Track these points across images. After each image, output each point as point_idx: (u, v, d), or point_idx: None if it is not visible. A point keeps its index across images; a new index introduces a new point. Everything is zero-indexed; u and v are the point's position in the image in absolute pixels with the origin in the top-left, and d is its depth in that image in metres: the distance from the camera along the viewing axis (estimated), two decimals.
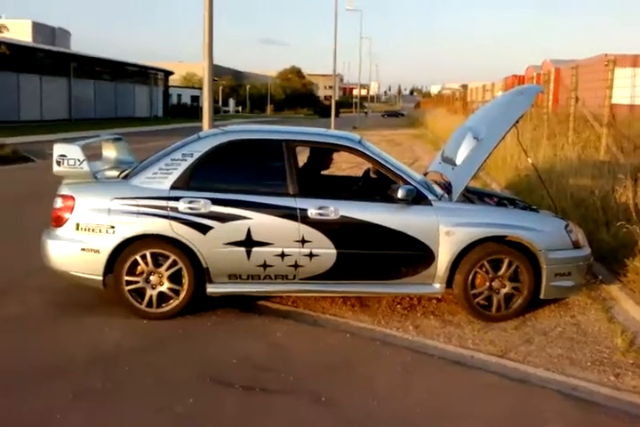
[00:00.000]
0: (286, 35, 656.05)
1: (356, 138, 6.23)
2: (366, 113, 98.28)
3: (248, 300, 6.00)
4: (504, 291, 5.66)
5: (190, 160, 5.66)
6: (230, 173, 5.82)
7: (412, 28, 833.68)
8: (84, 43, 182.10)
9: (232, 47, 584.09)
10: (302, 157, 6.33)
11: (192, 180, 5.61)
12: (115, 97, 56.80)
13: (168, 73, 71.68)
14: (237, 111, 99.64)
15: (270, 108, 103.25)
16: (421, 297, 6.15)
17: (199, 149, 5.73)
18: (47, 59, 46.94)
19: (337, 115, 46.76)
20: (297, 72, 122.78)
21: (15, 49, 40.16)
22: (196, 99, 74.48)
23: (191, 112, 67.69)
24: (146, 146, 18.69)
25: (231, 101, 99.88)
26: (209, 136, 6.02)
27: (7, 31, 20.88)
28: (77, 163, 5.59)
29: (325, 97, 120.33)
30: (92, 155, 6.04)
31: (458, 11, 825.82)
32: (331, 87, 40.42)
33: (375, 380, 4.50)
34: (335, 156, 6.88)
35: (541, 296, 5.71)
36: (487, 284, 5.64)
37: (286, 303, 6.06)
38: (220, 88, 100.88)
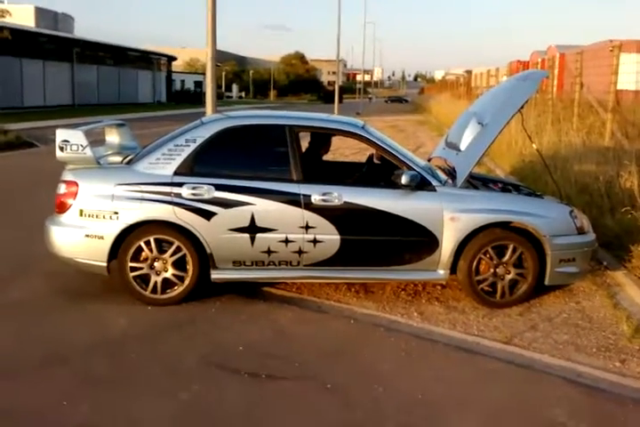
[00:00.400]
0: (290, 20, 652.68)
1: (360, 123, 6.19)
2: (370, 99, 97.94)
3: (252, 286, 6.00)
4: (508, 277, 5.64)
5: (193, 146, 5.63)
6: (233, 158, 5.79)
7: (417, 12, 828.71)
8: (87, 28, 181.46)
9: (235, 33, 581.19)
10: (304, 143, 6.31)
11: (195, 165, 5.59)
12: (118, 82, 56.65)
13: (171, 58, 71.42)
14: (240, 97, 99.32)
15: (274, 94, 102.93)
16: (426, 283, 6.14)
17: (202, 134, 5.70)
18: (50, 44, 46.77)
19: (340, 100, 46.60)
20: (300, 57, 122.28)
21: (18, 34, 40.03)
22: (199, 84, 74.36)
23: (194, 98, 67.52)
24: (149, 131, 18.66)
25: (234, 87, 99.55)
26: (212, 121, 5.98)
27: (10, 16, 20.78)
28: (80, 148, 5.57)
29: (329, 82, 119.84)
30: (95, 140, 6.03)
31: None
32: (334, 73, 40.22)
33: (380, 366, 4.50)
34: (338, 142, 6.84)
35: (546, 282, 5.69)
36: (491, 270, 5.63)
37: (291, 290, 6.06)
38: (224, 74, 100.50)
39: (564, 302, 5.88)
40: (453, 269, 5.69)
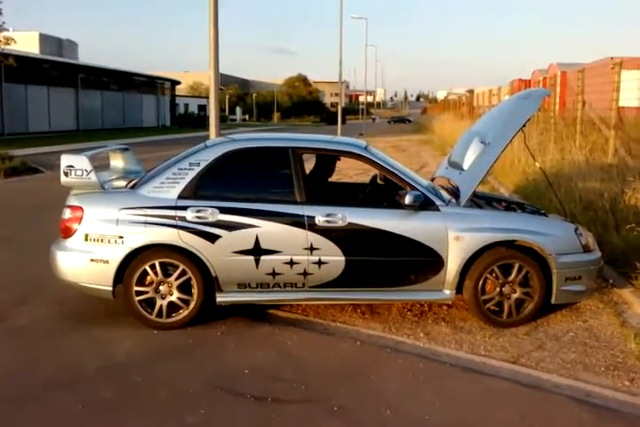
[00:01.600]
0: (293, 43, 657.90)
1: (362, 144, 6.22)
2: (374, 119, 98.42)
3: (258, 308, 5.98)
4: (515, 296, 5.62)
5: (197, 169, 5.66)
6: (237, 181, 5.81)
7: (417, 34, 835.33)
8: (91, 54, 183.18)
9: (238, 56, 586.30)
10: (309, 165, 6.33)
11: (199, 189, 5.61)
12: (122, 107, 57.09)
13: (175, 82, 72.03)
14: (244, 120, 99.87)
15: (277, 116, 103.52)
16: (432, 304, 6.12)
17: (206, 157, 5.73)
18: (54, 70, 47.24)
19: (343, 122, 46.82)
20: (303, 80, 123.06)
21: (22, 61, 40.39)
22: (202, 108, 74.75)
23: (198, 121, 67.96)
24: (154, 155, 18.73)
25: (238, 110, 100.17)
26: (215, 145, 6.01)
27: (15, 43, 20.96)
28: (85, 173, 5.60)
29: (332, 104, 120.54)
30: (100, 165, 6.07)
31: (462, 16, 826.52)
32: (337, 94, 40.43)
33: (387, 388, 4.46)
34: (342, 162, 6.87)
35: (552, 301, 5.66)
36: (497, 289, 5.61)
37: (296, 312, 6.04)
38: (227, 97, 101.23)
39: (570, 320, 5.85)
40: (459, 288, 5.67)
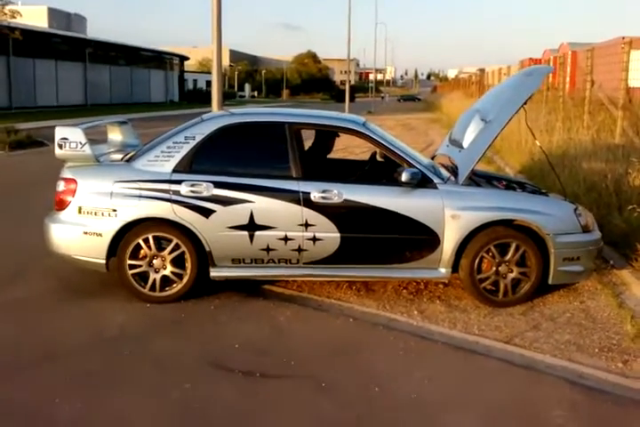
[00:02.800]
0: (303, 20, 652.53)
1: (361, 120, 6.12)
2: (383, 97, 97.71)
3: (252, 284, 5.95)
4: (511, 276, 5.56)
5: (193, 143, 5.59)
6: (233, 155, 5.74)
7: (429, 11, 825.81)
8: (99, 29, 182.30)
9: (248, 32, 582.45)
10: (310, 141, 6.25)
11: (194, 163, 5.55)
12: (130, 82, 56.89)
13: (184, 58, 71.67)
14: (253, 96, 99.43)
15: (286, 93, 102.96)
16: (428, 282, 6.06)
17: (202, 131, 5.65)
18: (63, 44, 47.03)
19: (353, 99, 46.54)
20: (313, 57, 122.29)
21: (30, 35, 40.24)
22: (211, 84, 74.42)
23: (206, 97, 66.89)
24: (158, 130, 18.64)
25: (247, 86, 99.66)
26: (212, 119, 5.93)
27: (20, 17, 20.80)
28: (79, 146, 5.54)
29: (341, 82, 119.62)
30: (98, 138, 6.01)
31: None
32: (347, 72, 40.15)
33: (377, 366, 4.43)
34: (347, 140, 6.77)
35: (550, 281, 5.60)
36: (494, 268, 5.54)
37: (291, 288, 6.00)
38: (236, 73, 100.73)
39: (567, 301, 5.79)
40: (455, 267, 5.61)
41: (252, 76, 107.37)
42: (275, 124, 5.79)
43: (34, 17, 51.67)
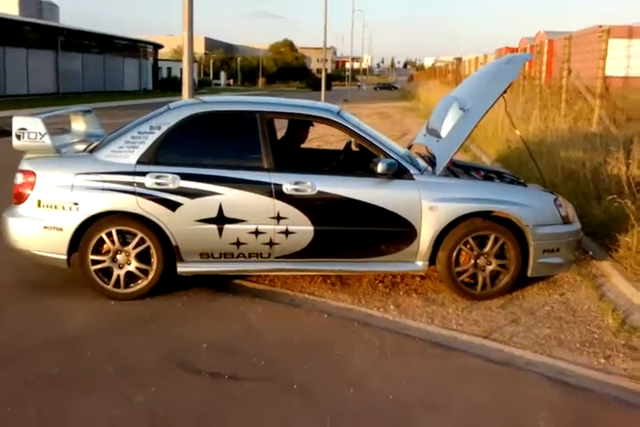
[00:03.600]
0: (280, 8, 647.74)
1: (335, 109, 5.90)
2: (359, 86, 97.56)
3: (222, 279, 5.72)
4: (490, 268, 5.39)
5: (158, 133, 5.33)
6: (201, 146, 5.50)
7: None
8: (72, 17, 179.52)
9: (225, 21, 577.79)
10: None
11: (160, 154, 5.30)
12: (103, 70, 55.99)
13: (157, 46, 70.70)
14: (228, 84, 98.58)
15: (262, 82, 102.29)
16: (404, 275, 5.88)
17: (168, 121, 5.40)
18: (34, 32, 46.05)
19: (329, 88, 46.22)
20: (289, 45, 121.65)
21: (1, 23, 39.40)
22: None
23: (180, 85, 66.61)
24: (130, 119, 18.26)
25: (222, 74, 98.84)
26: (178, 107, 5.67)
27: None
28: (39, 136, 5.27)
29: (318, 70, 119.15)
30: (60, 128, 5.73)
31: None
32: (325, 60, 39.80)
33: (352, 365, 4.24)
34: (323, 129, 6.54)
35: (529, 274, 5.45)
36: (472, 261, 5.38)
37: (263, 282, 5.79)
38: (211, 61, 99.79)
39: (547, 293, 5.64)
40: (432, 260, 5.44)
41: (227, 64, 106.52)
42: (245, 113, 5.55)
43: (4, 5, 50.69)
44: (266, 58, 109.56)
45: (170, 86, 66.48)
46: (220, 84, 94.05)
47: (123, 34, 62.94)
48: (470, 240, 5.34)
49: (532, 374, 4.15)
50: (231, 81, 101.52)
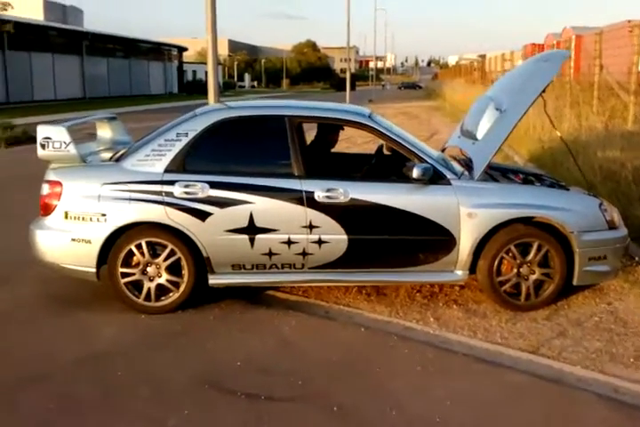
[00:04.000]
0: (304, 9, 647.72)
1: (366, 112, 5.69)
2: (383, 86, 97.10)
3: (255, 290, 5.55)
4: (533, 277, 5.15)
5: (185, 140, 5.18)
6: (229, 153, 5.32)
7: None
8: (97, 21, 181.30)
9: (248, 22, 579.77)
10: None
11: (187, 161, 5.14)
12: (129, 74, 56.39)
13: (182, 49, 71.06)
14: (253, 86, 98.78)
15: (286, 83, 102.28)
16: (443, 284, 5.65)
17: (195, 127, 5.24)
18: (59, 37, 46.53)
19: (353, 88, 45.96)
20: (312, 46, 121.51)
21: (26, 28, 39.79)
22: None
23: (206, 88, 66.92)
24: (158, 124, 18.23)
25: (246, 77, 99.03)
26: (205, 113, 5.50)
27: (12, 9, 20.30)
28: (63, 145, 5.13)
29: (342, 70, 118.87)
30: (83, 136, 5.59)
31: None
32: (347, 60, 39.54)
33: (393, 383, 4.02)
34: (350, 130, 6.33)
35: (574, 283, 5.19)
36: (514, 270, 5.13)
37: (296, 293, 5.60)
38: (236, 63, 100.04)
39: (594, 303, 5.37)
40: (472, 268, 5.21)
41: (251, 66, 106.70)
42: (274, 117, 5.37)
43: (29, 10, 51.12)
44: (289, 59, 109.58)
45: (195, 89, 66.68)
46: (244, 87, 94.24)
47: (147, 37, 63.28)
48: (512, 248, 5.10)
49: (584, 393, 3.91)
50: (255, 83, 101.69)
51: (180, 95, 61.98)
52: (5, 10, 19.80)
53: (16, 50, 39.74)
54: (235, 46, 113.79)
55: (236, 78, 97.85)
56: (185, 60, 74.23)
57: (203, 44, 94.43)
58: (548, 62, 5.80)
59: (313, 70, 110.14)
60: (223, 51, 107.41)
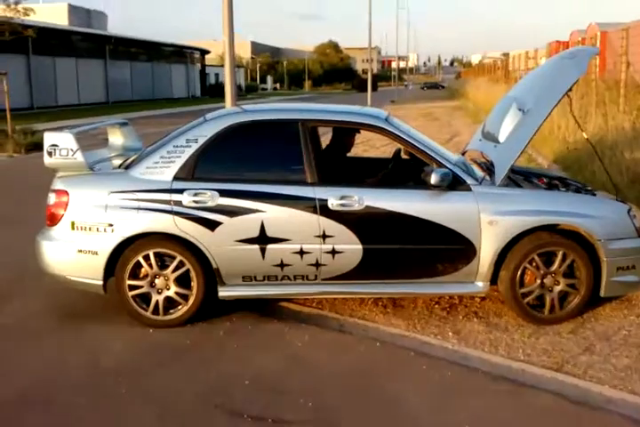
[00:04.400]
0: (323, 9, 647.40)
1: (382, 115, 5.47)
2: (406, 85, 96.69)
3: (267, 301, 5.36)
4: (558, 289, 4.89)
5: (195, 146, 5.00)
6: (240, 159, 5.15)
7: None
8: (120, 25, 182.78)
9: (271, 24, 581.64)
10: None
11: (197, 169, 4.97)
12: (152, 78, 56.56)
13: (204, 52, 71.14)
14: (275, 88, 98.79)
15: (308, 84, 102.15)
16: (463, 296, 5.41)
17: (205, 133, 5.06)
18: (82, 41, 46.79)
19: (375, 89, 45.71)
20: (334, 46, 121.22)
21: (50, 33, 40.05)
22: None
23: None
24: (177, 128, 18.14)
25: (269, 79, 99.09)
26: (215, 118, 5.31)
27: (34, 14, 20.36)
28: (70, 153, 4.99)
29: (364, 71, 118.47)
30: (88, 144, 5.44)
31: None
32: (369, 60, 39.26)
33: (410, 404, 3.80)
34: (368, 132, 6.11)
35: (601, 294, 4.93)
36: (538, 281, 4.88)
37: (310, 305, 5.40)
38: (258, 65, 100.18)
39: (622, 315, 5.10)
40: (494, 279, 4.97)
41: (273, 67, 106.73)
42: (286, 121, 5.18)
43: (54, 14, 51.53)
44: (311, 60, 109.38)
45: (218, 92, 66.68)
46: (266, 89, 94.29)
47: (168, 40, 63.53)
48: (536, 258, 4.85)
49: (614, 417, 3.66)
50: (278, 85, 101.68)
51: (202, 98, 62.07)
52: (27, 15, 19.83)
53: (40, 55, 40.01)
54: (257, 48, 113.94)
55: (258, 81, 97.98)
56: (207, 62, 74.37)
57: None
58: (575, 60, 5.52)
59: (335, 71, 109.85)
60: (246, 53, 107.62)
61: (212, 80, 75.76)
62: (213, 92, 67.71)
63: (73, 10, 57.62)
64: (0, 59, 27.63)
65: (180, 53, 63.87)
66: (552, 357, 4.39)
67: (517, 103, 5.47)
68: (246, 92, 75.47)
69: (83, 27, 52.47)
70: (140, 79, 54.02)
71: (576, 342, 4.63)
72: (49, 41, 40.14)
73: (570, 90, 5.17)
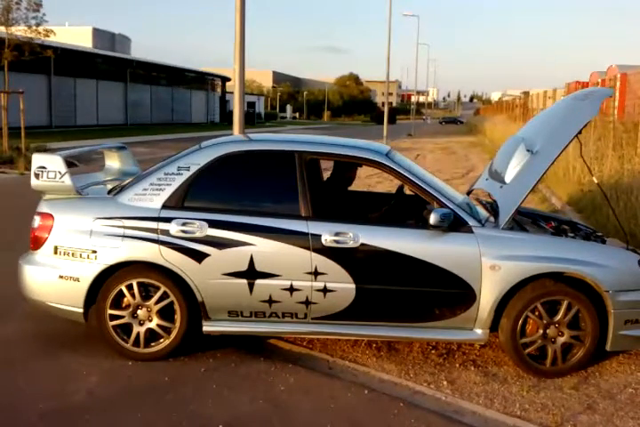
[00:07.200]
0: (348, 42, 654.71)
1: (384, 149, 5.27)
2: (425, 119, 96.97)
3: (257, 338, 5.11)
4: (561, 340, 4.61)
5: (186, 174, 4.81)
6: (233, 189, 4.95)
7: (472, 33, 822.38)
8: (143, 49, 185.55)
9: (293, 55, 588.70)
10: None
11: (187, 198, 4.77)
12: (171, 102, 57.00)
13: (225, 79, 71.73)
14: (294, 117, 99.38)
15: (327, 115, 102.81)
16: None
17: (198, 161, 4.87)
18: (104, 64, 47.34)
19: (393, 121, 45.70)
20: (355, 78, 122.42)
21: (72, 54, 40.56)
22: (252, 105, 74.37)
23: (247, 118, 67.10)
24: None
25: (288, 108, 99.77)
26: (210, 146, 5.12)
27: (54, 35, 20.53)
28: (58, 175, 4.82)
29: (383, 103, 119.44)
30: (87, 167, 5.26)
31: (518, 15, 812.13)
32: (390, 94, 39.29)
33: None
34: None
35: (608, 348, 4.64)
36: (541, 331, 4.60)
37: (300, 344, 5.15)
38: (279, 95, 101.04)
39: (629, 371, 4.80)
40: (494, 326, 4.70)
41: (294, 97, 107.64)
42: (282, 153, 4.97)
43: (79, 37, 52.41)
44: (331, 91, 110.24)
45: None
46: (285, 117, 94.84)
47: (190, 66, 64.22)
48: (539, 306, 4.58)
49: None
50: (297, 114, 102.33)
51: (221, 124, 62.41)
52: (48, 36, 20.01)
53: (62, 75, 40.45)
54: (279, 78, 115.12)
55: (278, 109, 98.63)
56: (228, 89, 75.03)
57: (246, 75, 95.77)
58: (587, 101, 5.31)
59: (355, 103, 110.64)
60: (268, 82, 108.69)
61: (231, 107, 76.34)
62: (232, 118, 68.16)
63: (97, 33, 58.54)
64: (22, 78, 27.84)
65: (200, 79, 64.48)
66: (551, 414, 4.09)
67: (526, 144, 5.25)
68: (265, 119, 75.93)
69: (107, 50, 53.17)
70: (160, 103, 54.46)
71: (578, 398, 4.33)
72: (71, 62, 40.63)
73: (580, 132, 4.95)
